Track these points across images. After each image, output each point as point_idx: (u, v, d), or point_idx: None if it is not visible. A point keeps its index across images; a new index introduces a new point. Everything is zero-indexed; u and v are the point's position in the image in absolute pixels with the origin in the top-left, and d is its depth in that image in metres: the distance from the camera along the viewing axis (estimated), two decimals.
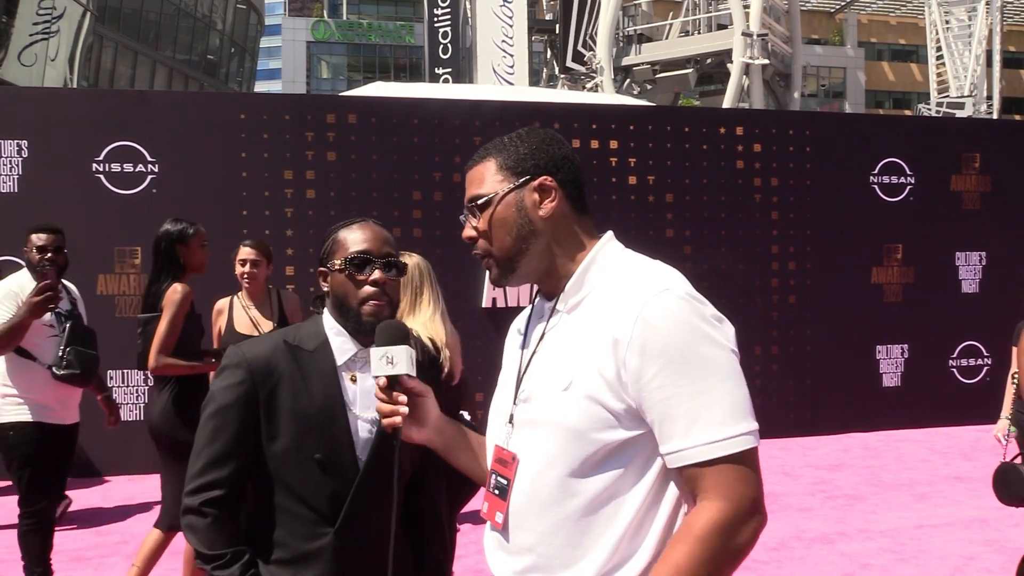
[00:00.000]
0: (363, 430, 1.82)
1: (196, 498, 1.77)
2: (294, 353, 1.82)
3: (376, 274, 1.82)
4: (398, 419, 1.52)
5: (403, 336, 1.57)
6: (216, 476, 1.77)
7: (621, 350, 1.34)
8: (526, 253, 1.48)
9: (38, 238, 3.94)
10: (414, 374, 1.56)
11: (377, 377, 1.55)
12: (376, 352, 1.55)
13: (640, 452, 1.36)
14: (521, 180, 1.48)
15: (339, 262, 1.83)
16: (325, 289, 1.89)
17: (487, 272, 1.55)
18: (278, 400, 1.78)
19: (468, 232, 1.53)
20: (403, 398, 1.54)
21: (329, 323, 1.88)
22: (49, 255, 3.90)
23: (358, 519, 1.78)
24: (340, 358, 1.85)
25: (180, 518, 1.82)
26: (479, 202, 1.49)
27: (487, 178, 1.50)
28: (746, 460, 1.32)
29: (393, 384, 1.54)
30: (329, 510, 1.77)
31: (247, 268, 4.45)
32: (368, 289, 1.82)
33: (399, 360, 1.53)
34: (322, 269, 1.89)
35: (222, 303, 4.58)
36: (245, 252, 4.47)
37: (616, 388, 1.35)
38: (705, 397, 1.31)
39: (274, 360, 1.80)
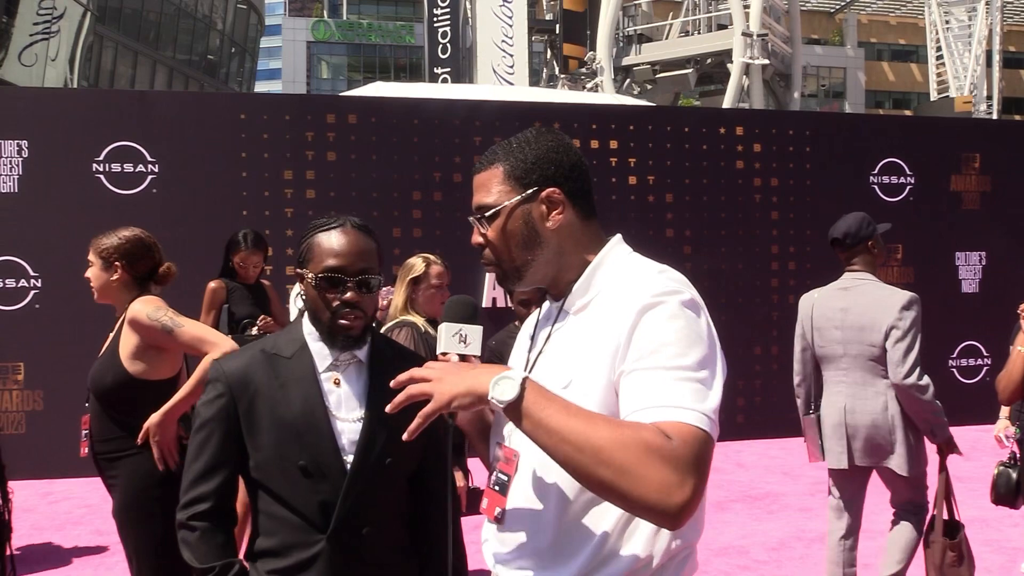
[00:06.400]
0: (348, 433, 1.79)
1: (185, 512, 1.79)
2: (272, 362, 1.81)
3: (348, 295, 1.77)
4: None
5: (474, 313, 1.49)
6: (203, 490, 1.78)
7: (619, 344, 1.33)
8: (532, 263, 1.47)
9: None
10: (480, 354, 1.47)
11: (446, 354, 1.46)
12: (448, 328, 1.47)
13: None
14: (528, 192, 1.45)
15: (311, 276, 1.78)
16: (302, 289, 1.86)
17: (488, 273, 1.54)
18: (257, 411, 1.77)
19: (476, 239, 1.51)
20: None
21: (308, 328, 1.85)
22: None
23: (349, 524, 1.76)
24: (321, 363, 1.82)
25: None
26: (486, 213, 1.47)
27: (493, 187, 1.47)
28: (705, 439, 1.23)
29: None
30: (319, 517, 1.75)
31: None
32: (338, 306, 1.77)
33: (473, 339, 1.46)
34: (298, 271, 1.85)
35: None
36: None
37: (612, 383, 1.34)
38: (681, 376, 1.26)
39: (251, 371, 1.80)
